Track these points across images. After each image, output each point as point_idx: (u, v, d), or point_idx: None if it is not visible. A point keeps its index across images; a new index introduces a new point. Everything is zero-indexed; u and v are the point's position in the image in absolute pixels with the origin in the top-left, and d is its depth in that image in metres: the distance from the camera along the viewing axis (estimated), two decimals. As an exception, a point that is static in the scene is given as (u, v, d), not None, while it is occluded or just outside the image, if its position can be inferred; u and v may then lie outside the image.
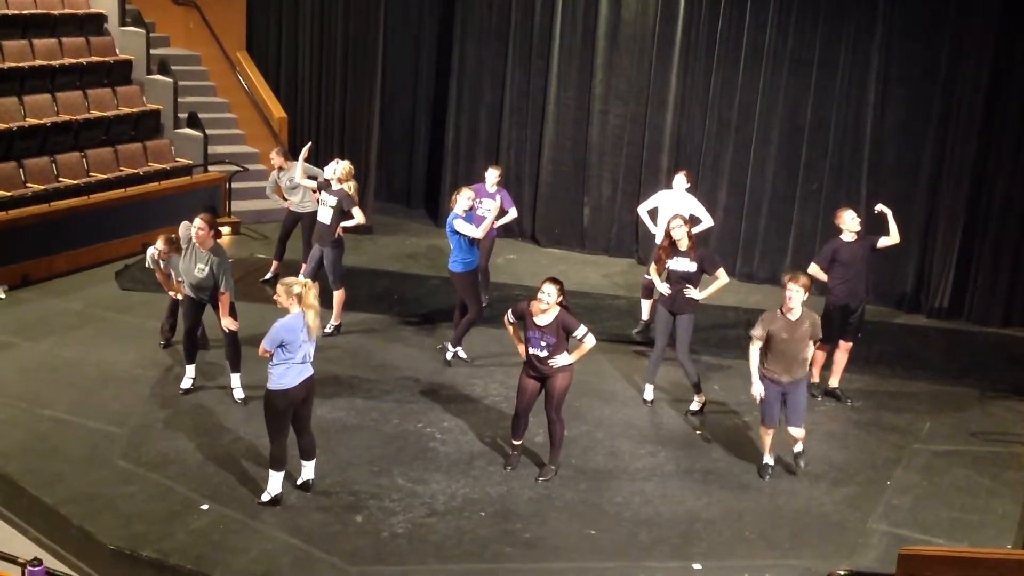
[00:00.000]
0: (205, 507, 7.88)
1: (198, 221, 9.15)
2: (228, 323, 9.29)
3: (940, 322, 12.73)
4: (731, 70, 13.66)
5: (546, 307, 8.21)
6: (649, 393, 10.09)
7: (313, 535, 7.62)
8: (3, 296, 11.62)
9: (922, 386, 10.78)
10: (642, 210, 11.59)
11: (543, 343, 8.26)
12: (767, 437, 8.71)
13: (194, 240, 9.19)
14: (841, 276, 9.93)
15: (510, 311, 8.47)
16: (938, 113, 12.63)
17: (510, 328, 8.53)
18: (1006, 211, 12.36)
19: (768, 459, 8.79)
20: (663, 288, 9.67)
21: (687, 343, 9.73)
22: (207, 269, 9.18)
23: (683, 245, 9.57)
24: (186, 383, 9.68)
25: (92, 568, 7.51)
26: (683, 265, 9.58)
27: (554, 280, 8.28)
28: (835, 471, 8.99)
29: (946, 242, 12.74)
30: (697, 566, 7.55)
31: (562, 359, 8.30)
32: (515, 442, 8.75)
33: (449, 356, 10.60)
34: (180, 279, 9.57)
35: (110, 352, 10.42)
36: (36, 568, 5.56)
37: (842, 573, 6.93)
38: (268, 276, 12.49)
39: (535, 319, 8.26)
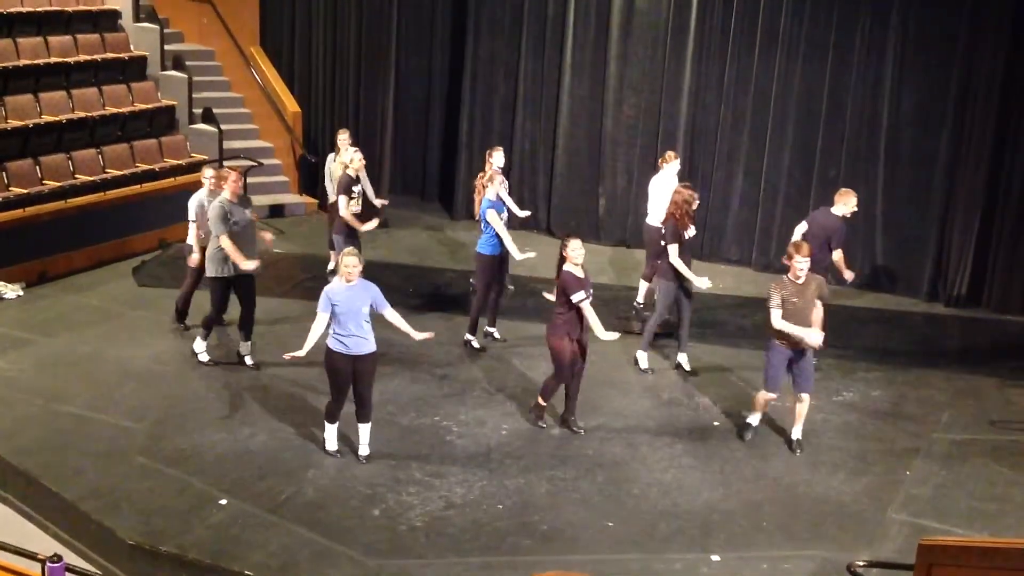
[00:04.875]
0: (223, 502, 7.91)
1: (231, 174, 9.87)
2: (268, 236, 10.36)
3: (958, 310, 12.64)
4: (746, 58, 13.59)
5: (582, 261, 8.75)
6: (645, 361, 10.41)
7: (331, 529, 7.63)
8: (21, 293, 11.67)
9: (941, 375, 10.71)
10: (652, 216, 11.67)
11: (591, 290, 8.78)
12: (761, 400, 8.95)
13: (230, 192, 9.73)
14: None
15: (579, 293, 8.65)
16: (955, 98, 12.52)
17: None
18: (1025, 197, 12.28)
19: (753, 419, 9.06)
20: (702, 281, 10.02)
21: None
22: (251, 210, 9.90)
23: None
24: (205, 356, 10.09)
25: (111, 563, 7.55)
26: (693, 233, 10.16)
27: (574, 234, 8.91)
28: (853, 461, 8.95)
29: (964, 229, 12.64)
30: (716, 557, 7.53)
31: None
32: (545, 403, 9.18)
33: (475, 344, 10.77)
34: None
35: (128, 348, 10.46)
36: (56, 564, 5.57)
37: (861, 563, 6.88)
38: (332, 267, 12.62)
39: (579, 276, 8.71)
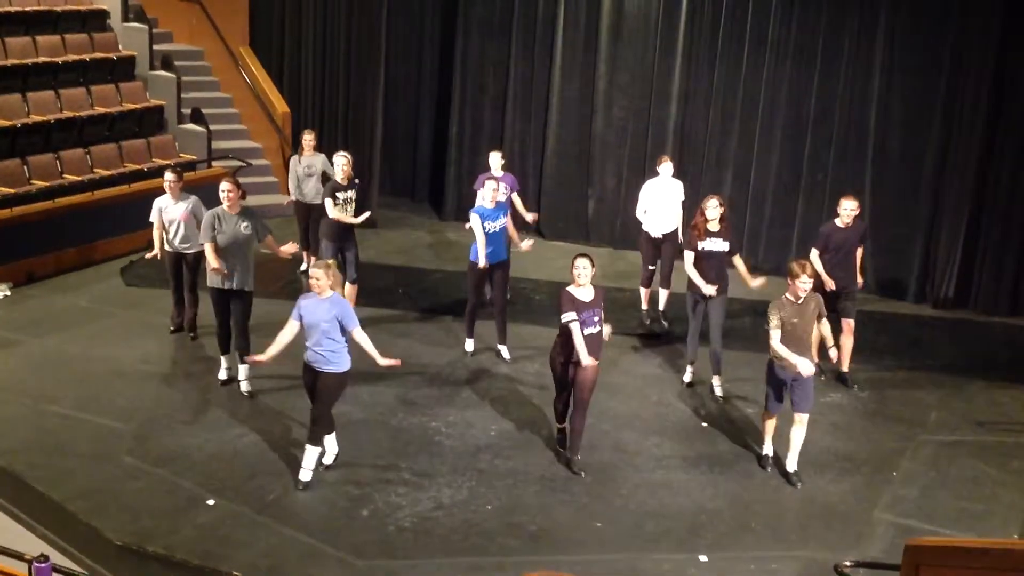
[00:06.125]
0: (211, 502, 7.90)
1: (227, 184, 9.41)
2: (288, 247, 9.75)
3: (946, 312, 12.68)
4: (734, 62, 13.63)
5: (585, 282, 8.28)
6: (688, 375, 10.22)
7: (319, 529, 7.63)
8: (8, 293, 11.64)
9: (928, 376, 10.74)
10: (641, 213, 11.61)
11: (596, 319, 8.27)
12: (769, 423, 8.69)
13: (226, 204, 9.39)
14: (830, 261, 9.95)
15: (568, 314, 8.17)
16: (943, 102, 12.56)
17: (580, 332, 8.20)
18: (1012, 200, 12.30)
19: (767, 449, 8.78)
20: (708, 289, 9.71)
21: (720, 326, 9.88)
22: (251, 226, 9.43)
23: (715, 226, 9.71)
24: (223, 374, 9.77)
25: (99, 564, 7.52)
26: (717, 246, 9.72)
27: (585, 254, 8.43)
28: (841, 461, 8.98)
29: (951, 231, 12.69)
30: (703, 558, 7.54)
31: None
32: (562, 424, 8.83)
33: (468, 348, 10.69)
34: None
35: (116, 348, 10.44)
36: (43, 564, 5.56)
37: (848, 564, 6.91)
38: (304, 268, 12.59)
39: (581, 299, 8.26)
